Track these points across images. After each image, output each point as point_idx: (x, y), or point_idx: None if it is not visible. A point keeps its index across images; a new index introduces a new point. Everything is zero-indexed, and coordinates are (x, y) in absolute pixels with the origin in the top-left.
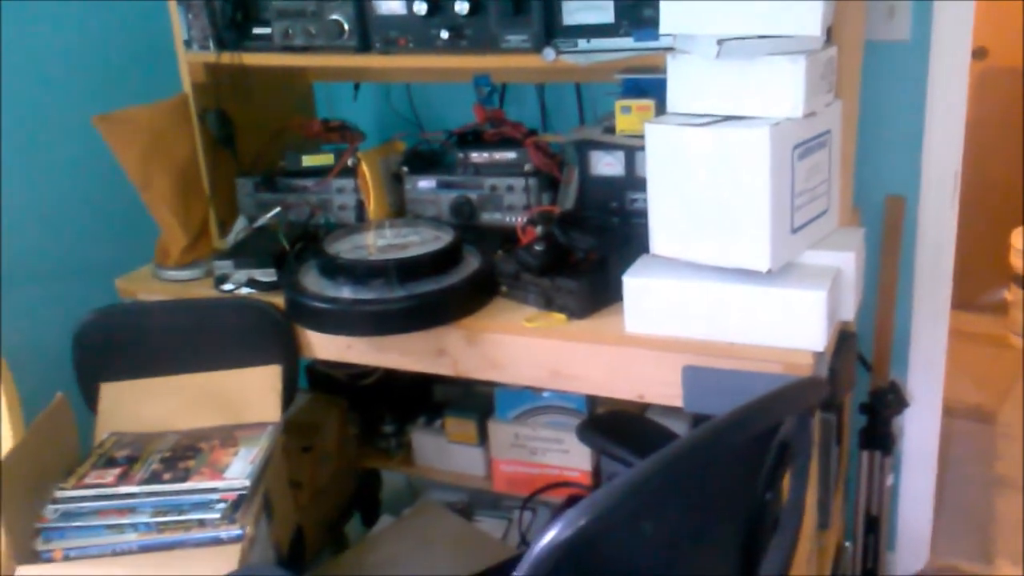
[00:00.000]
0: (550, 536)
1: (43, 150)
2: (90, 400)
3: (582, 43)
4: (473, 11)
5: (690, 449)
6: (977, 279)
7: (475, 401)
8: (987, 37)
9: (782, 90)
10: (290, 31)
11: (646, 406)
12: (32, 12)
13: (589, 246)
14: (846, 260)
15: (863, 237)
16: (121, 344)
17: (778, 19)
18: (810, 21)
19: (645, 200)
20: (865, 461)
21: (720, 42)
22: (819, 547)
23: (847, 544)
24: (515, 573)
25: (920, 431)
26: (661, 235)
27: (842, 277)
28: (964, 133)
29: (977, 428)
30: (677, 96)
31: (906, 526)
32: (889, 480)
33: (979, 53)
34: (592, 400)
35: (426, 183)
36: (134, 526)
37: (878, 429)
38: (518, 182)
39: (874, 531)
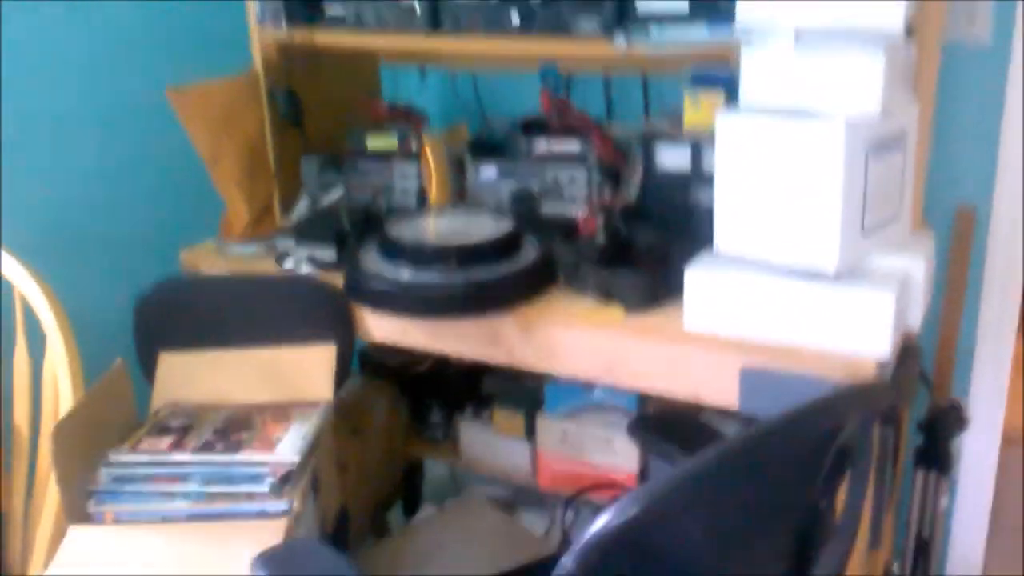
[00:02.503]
0: (600, 523)
1: (114, 120)
2: (148, 369)
3: (654, 31)
4: None
5: (748, 444)
6: None
7: (524, 395)
8: None
9: (860, 85)
10: (361, 11)
11: (700, 409)
12: None
13: (651, 240)
14: (916, 265)
15: (933, 245)
16: (181, 315)
17: (859, 12)
18: (892, 16)
19: (710, 197)
20: (919, 482)
21: (798, 33)
22: (867, 569)
23: (895, 567)
24: (564, 559)
25: (978, 454)
26: (726, 231)
27: (911, 282)
28: None
29: None
30: (750, 89)
31: (958, 551)
32: (943, 503)
33: None
34: (644, 400)
35: (488, 171)
36: (185, 494)
37: (936, 449)
38: (581, 174)
39: (925, 555)
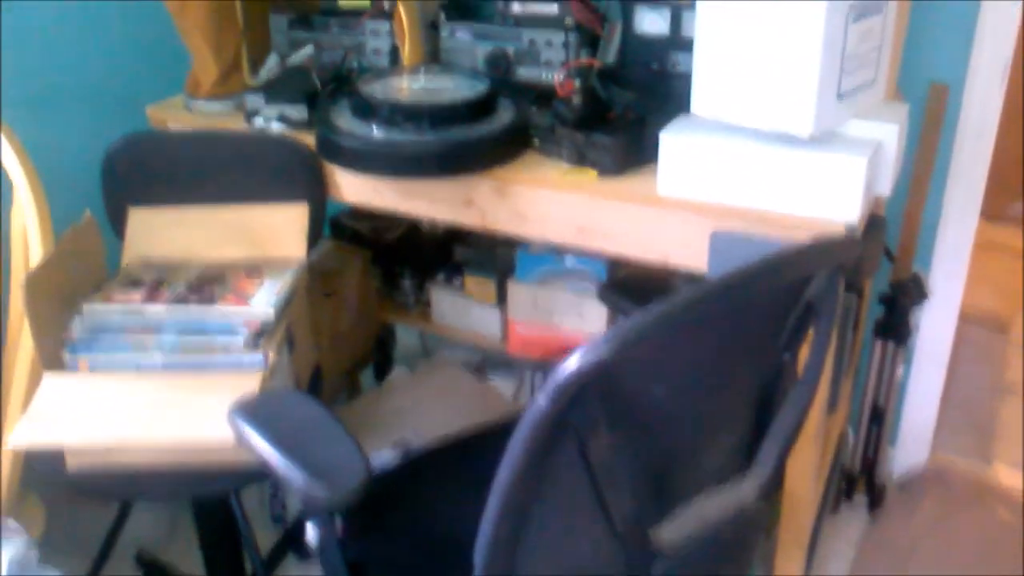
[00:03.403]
0: (573, 361)
1: None
2: (118, 225)
3: None
4: None
5: (721, 289)
6: (1007, 190)
7: (496, 262)
8: None
9: None
10: None
11: (670, 274)
12: None
13: (628, 102)
14: (889, 132)
15: (907, 114)
16: (150, 171)
17: None
18: None
19: (688, 62)
20: (878, 351)
21: None
22: (823, 431)
23: (850, 433)
24: (538, 397)
25: (935, 328)
26: (703, 93)
27: (883, 150)
28: (1020, 26)
29: (990, 336)
30: None
31: (910, 421)
32: (899, 372)
33: None
34: (614, 268)
35: (463, 33)
36: (159, 345)
37: (895, 319)
38: (557, 36)
39: (878, 422)
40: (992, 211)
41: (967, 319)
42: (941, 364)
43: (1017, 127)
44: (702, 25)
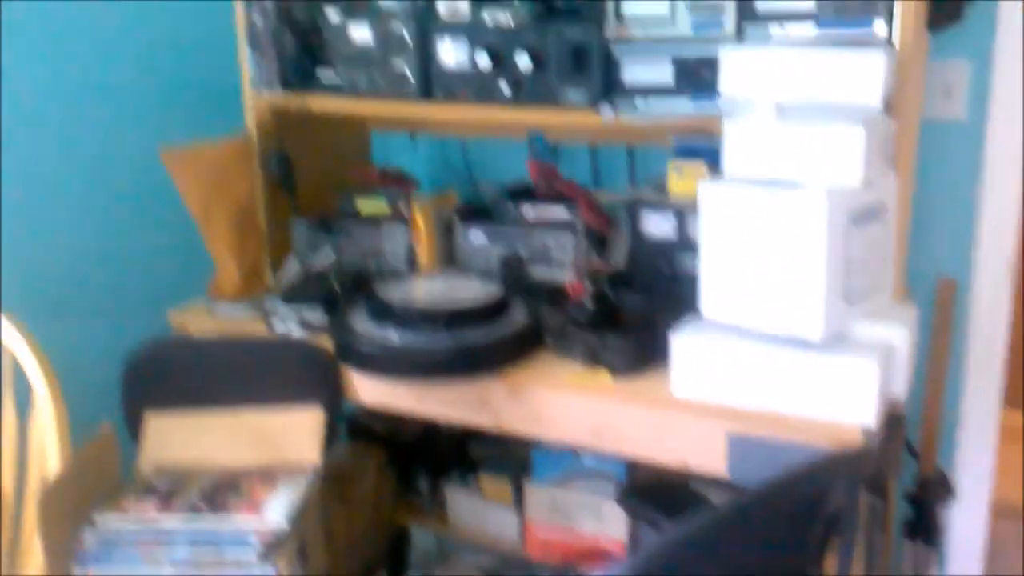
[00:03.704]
0: None
1: (106, 178)
2: (135, 430)
3: (639, 102)
4: (534, 66)
5: (735, 512)
6: None
7: (512, 462)
8: None
9: (840, 156)
10: (355, 77)
11: (689, 476)
12: (102, 41)
13: (638, 305)
14: (899, 335)
15: (916, 316)
16: (170, 377)
17: (838, 87)
18: (871, 90)
19: (695, 263)
20: (909, 553)
21: (777, 107)
22: None
23: None
24: None
25: (966, 526)
26: (712, 298)
27: (894, 352)
28: (1021, 217)
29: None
30: (733, 159)
31: None
32: (933, 574)
33: None
34: (632, 467)
35: (477, 236)
36: (171, 559)
37: (924, 519)
38: (568, 239)
39: None
40: (1018, 399)
41: (1003, 514)
42: (977, 562)
43: None
44: (705, 233)
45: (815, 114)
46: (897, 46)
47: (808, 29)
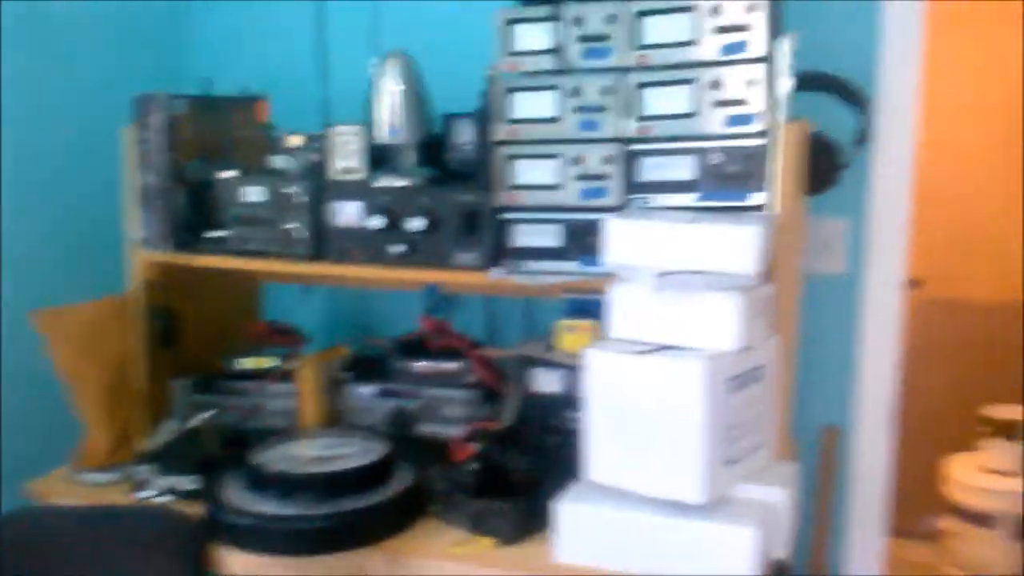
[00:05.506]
0: None
1: None
2: None
3: (529, 264)
4: (427, 228)
5: None
6: (914, 506)
7: None
8: (923, 268)
9: (718, 324)
10: (245, 237)
11: None
12: None
13: (525, 468)
14: (779, 496)
15: (796, 472)
16: (26, 551)
17: (715, 257)
18: (745, 261)
19: (583, 420)
20: None
21: (659, 275)
22: None
23: None
24: None
25: None
26: (597, 461)
27: (775, 513)
28: (899, 363)
29: None
30: (619, 322)
31: None
32: None
33: (914, 284)
34: None
35: (366, 390)
36: None
37: None
38: (459, 394)
39: None
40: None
41: None
42: None
43: (918, 444)
44: (590, 398)
45: (694, 283)
46: (776, 212)
47: (690, 199)
